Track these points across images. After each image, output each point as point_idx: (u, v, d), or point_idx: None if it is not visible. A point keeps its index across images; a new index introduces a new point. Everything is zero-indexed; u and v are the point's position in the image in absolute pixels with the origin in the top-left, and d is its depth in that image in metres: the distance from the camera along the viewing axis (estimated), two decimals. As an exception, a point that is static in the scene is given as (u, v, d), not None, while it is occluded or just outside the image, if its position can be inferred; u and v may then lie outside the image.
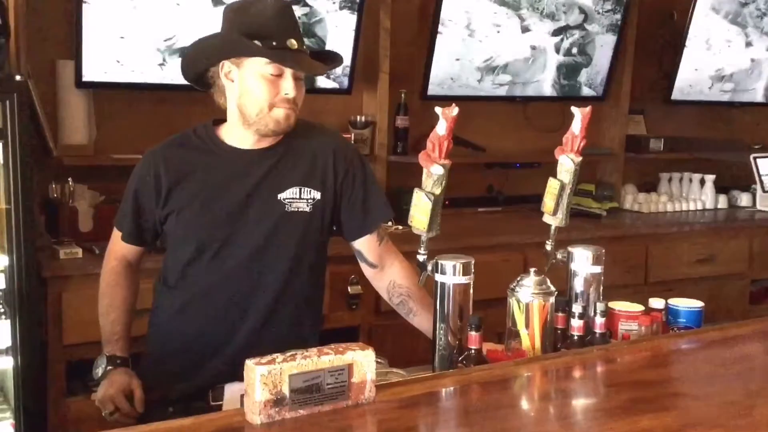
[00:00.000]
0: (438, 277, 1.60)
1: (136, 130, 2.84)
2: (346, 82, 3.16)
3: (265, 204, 1.73)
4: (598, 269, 1.75)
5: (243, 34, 1.65)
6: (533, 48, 3.52)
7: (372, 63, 3.26)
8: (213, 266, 1.73)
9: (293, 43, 1.65)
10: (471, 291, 1.60)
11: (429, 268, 1.61)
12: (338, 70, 3.11)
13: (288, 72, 1.67)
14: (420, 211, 1.57)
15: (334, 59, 1.81)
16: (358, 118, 3.28)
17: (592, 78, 3.74)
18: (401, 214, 3.13)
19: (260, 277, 1.73)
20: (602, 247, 1.79)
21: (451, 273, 1.58)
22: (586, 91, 3.75)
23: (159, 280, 1.81)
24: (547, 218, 1.79)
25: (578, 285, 1.76)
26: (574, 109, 1.75)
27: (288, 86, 1.67)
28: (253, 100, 1.68)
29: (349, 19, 3.06)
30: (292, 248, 1.75)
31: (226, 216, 1.72)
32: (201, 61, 1.73)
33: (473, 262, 1.60)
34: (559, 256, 1.79)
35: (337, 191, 1.79)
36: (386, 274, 1.87)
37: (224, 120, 1.78)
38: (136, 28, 2.69)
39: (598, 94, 3.79)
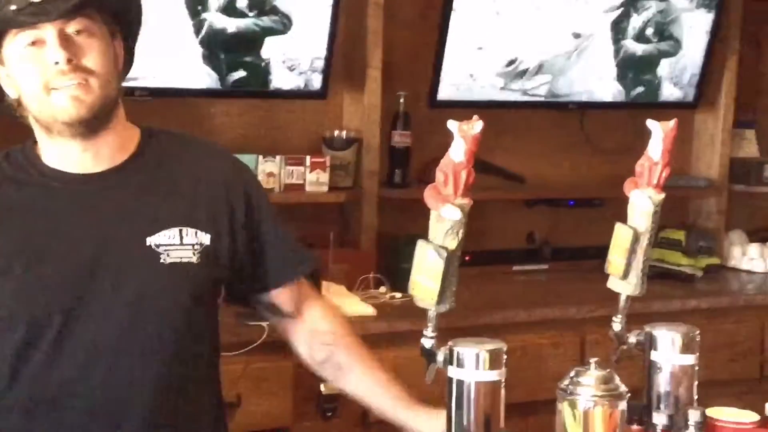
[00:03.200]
0: (452, 372, 1.58)
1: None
2: (317, 80, 3.19)
3: (127, 255, 1.72)
4: (690, 359, 1.74)
5: None
6: (576, 36, 3.56)
7: (356, 54, 3.29)
8: (57, 358, 1.69)
9: None
10: (502, 392, 1.59)
11: (440, 357, 1.60)
12: (304, 64, 3.14)
13: (44, 32, 1.66)
14: (426, 274, 1.56)
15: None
16: (336, 133, 3.31)
17: (678, 75, 3.79)
18: (397, 275, 3.22)
19: (132, 369, 1.71)
20: (696, 327, 1.78)
21: (473, 365, 1.57)
22: (668, 94, 3.79)
23: None
24: (614, 283, 1.79)
25: (661, 383, 1.75)
26: (651, 123, 1.77)
27: (52, 51, 1.65)
28: (26, 90, 1.70)
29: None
30: (176, 319, 1.74)
31: (66, 279, 1.70)
32: None
33: (505, 348, 1.60)
34: (632, 339, 1.78)
35: (235, 235, 1.81)
36: (305, 322, 1.93)
37: None
38: None
39: (688, 98, 3.83)
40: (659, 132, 1.76)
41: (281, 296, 1.92)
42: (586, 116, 3.78)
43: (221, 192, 1.80)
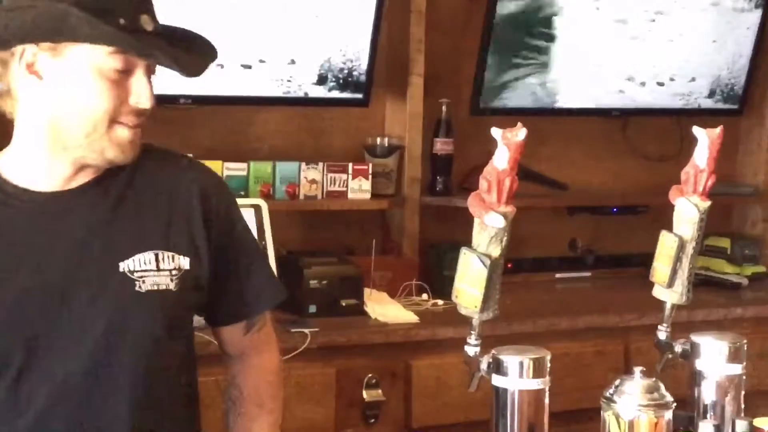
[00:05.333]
0: (496, 380, 1.58)
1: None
2: (360, 88, 3.20)
3: (97, 282, 1.57)
4: (737, 369, 1.73)
5: (73, 5, 1.50)
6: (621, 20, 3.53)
7: (399, 61, 3.30)
8: (16, 400, 1.55)
9: (148, 20, 1.54)
10: (546, 400, 1.58)
11: (483, 366, 1.60)
12: (347, 71, 3.14)
13: (141, 68, 1.55)
14: (470, 282, 1.56)
15: (202, 48, 1.66)
16: (379, 141, 3.31)
17: (722, 78, 3.75)
18: (439, 282, 3.22)
19: (104, 406, 1.58)
20: (743, 336, 1.76)
21: (516, 374, 1.57)
22: (712, 101, 3.75)
23: None
24: (659, 291, 1.78)
25: (707, 392, 1.74)
26: (697, 130, 1.76)
27: (142, 89, 1.55)
28: (83, 110, 1.54)
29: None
30: (151, 351, 1.61)
31: (29, 310, 1.55)
32: None
33: (549, 356, 1.59)
34: (678, 348, 1.77)
35: (212, 258, 1.68)
36: (239, 370, 1.82)
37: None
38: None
39: (733, 103, 3.80)
40: (705, 139, 1.75)
41: (227, 334, 1.80)
42: (629, 123, 3.75)
43: (198, 209, 1.67)
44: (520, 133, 1.54)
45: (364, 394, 2.76)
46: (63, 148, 1.57)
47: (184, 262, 1.64)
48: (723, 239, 3.75)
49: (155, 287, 1.60)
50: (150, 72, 1.58)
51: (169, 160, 1.73)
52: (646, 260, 3.80)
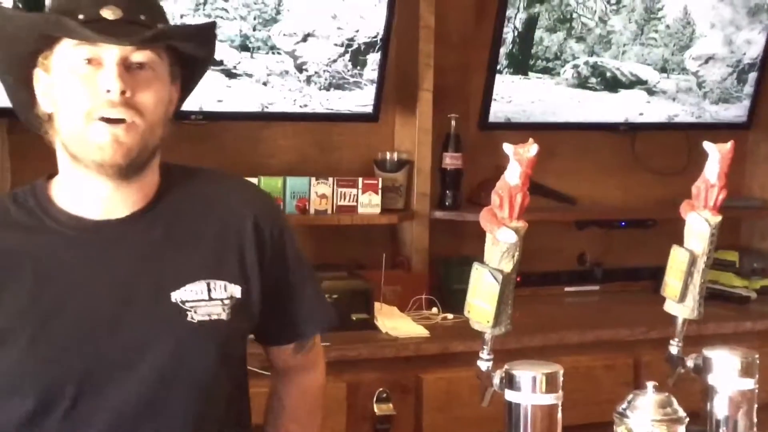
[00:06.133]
0: (509, 395, 1.57)
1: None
2: (370, 104, 3.20)
3: (149, 313, 1.57)
4: (750, 383, 1.71)
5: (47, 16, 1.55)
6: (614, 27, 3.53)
7: (408, 77, 3.31)
8: (69, 430, 1.54)
9: (111, 12, 1.51)
10: (559, 415, 1.58)
11: (496, 380, 1.59)
12: (355, 86, 3.15)
13: (106, 52, 1.50)
14: (483, 297, 1.56)
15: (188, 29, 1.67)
16: (389, 156, 3.31)
17: (728, 90, 3.75)
18: (449, 296, 3.21)
19: None
20: (754, 350, 1.76)
21: (529, 388, 1.56)
22: (720, 115, 3.75)
23: None
24: (671, 306, 1.78)
25: (720, 407, 1.72)
26: (708, 145, 1.75)
27: (109, 78, 1.50)
28: (66, 112, 1.53)
29: (375, 13, 3.12)
30: (204, 381, 1.60)
31: (82, 342, 1.53)
32: (6, 79, 1.61)
33: (562, 371, 1.58)
34: (690, 362, 1.76)
35: (264, 283, 1.67)
36: (284, 384, 1.85)
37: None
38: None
39: (741, 119, 3.80)
40: (716, 154, 1.74)
41: (276, 353, 1.82)
42: (638, 137, 3.75)
43: (251, 234, 1.66)
44: (531, 148, 1.54)
45: (375, 408, 2.76)
46: (74, 157, 1.55)
47: (236, 291, 1.63)
48: (731, 253, 3.74)
49: (207, 317, 1.59)
50: (128, 65, 1.53)
51: (220, 182, 1.73)
52: (654, 274, 3.78)
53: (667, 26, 3.56)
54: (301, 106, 3.09)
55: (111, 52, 1.51)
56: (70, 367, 1.53)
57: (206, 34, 1.68)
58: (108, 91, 1.51)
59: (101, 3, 1.52)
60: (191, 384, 1.59)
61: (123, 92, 1.51)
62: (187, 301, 1.58)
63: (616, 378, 2.98)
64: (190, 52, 1.63)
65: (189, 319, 1.58)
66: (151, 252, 1.60)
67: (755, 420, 1.73)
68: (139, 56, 1.54)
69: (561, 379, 1.58)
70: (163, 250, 1.61)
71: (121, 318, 1.56)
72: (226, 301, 1.61)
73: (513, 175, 1.54)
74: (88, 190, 1.59)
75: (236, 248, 1.65)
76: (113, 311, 1.56)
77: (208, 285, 1.60)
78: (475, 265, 1.56)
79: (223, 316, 1.61)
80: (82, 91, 1.52)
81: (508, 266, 1.55)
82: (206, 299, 1.59)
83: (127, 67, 1.53)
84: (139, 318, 1.56)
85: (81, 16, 1.50)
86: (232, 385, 1.69)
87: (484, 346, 1.60)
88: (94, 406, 1.54)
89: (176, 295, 1.58)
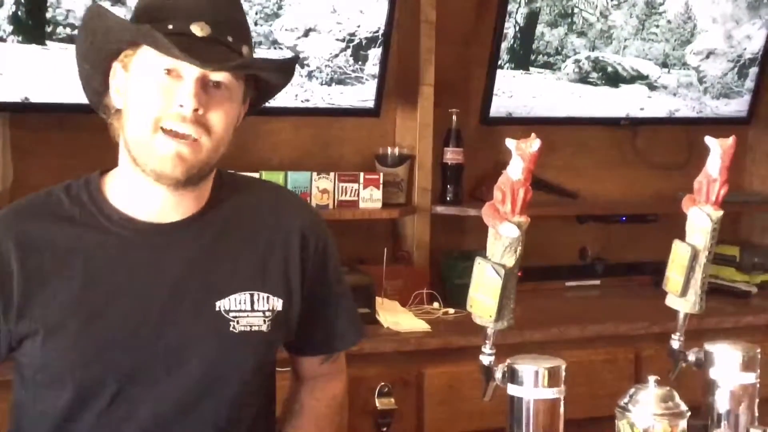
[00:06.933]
0: (511, 389, 1.58)
1: (70, 169, 2.88)
2: (371, 98, 3.20)
3: (193, 319, 1.59)
4: (751, 378, 1.72)
5: (134, 18, 1.58)
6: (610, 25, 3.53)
7: (409, 71, 3.31)
8: (104, 428, 1.57)
9: (200, 28, 1.53)
10: (562, 409, 1.58)
11: (498, 375, 1.59)
12: (357, 82, 3.15)
13: (187, 70, 1.52)
14: (485, 291, 1.56)
15: (276, 63, 1.67)
16: (390, 150, 3.31)
17: (729, 85, 3.75)
18: (450, 291, 3.21)
19: None
20: (755, 344, 1.76)
21: (532, 383, 1.56)
22: (721, 110, 3.75)
23: None
24: (672, 301, 1.77)
25: (721, 402, 1.72)
26: (710, 140, 1.75)
27: (185, 93, 1.51)
28: (135, 107, 1.54)
29: (376, 8, 3.12)
30: (237, 389, 1.63)
31: (127, 340, 1.56)
32: (84, 66, 1.62)
33: (564, 366, 1.59)
34: (691, 357, 1.76)
35: (304, 296, 1.70)
36: (306, 389, 1.84)
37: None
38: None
39: (741, 114, 3.80)
40: (717, 149, 1.74)
41: (303, 363, 1.83)
42: (639, 132, 3.75)
43: (297, 248, 1.69)
44: (534, 143, 1.53)
45: (377, 402, 2.76)
46: (135, 161, 1.56)
47: (278, 304, 1.65)
48: (732, 247, 3.74)
49: (248, 328, 1.62)
50: (206, 83, 1.54)
51: (270, 194, 1.76)
52: (655, 269, 3.78)
53: (668, 21, 3.56)
54: (302, 101, 3.09)
55: (192, 69, 1.52)
56: (113, 365, 1.56)
57: (289, 68, 1.70)
58: (181, 105, 1.52)
59: (192, 17, 1.53)
60: (225, 392, 1.62)
61: (196, 110, 1.52)
62: (231, 311, 1.61)
63: (617, 372, 2.98)
64: (271, 81, 1.66)
65: (231, 329, 1.61)
66: (199, 258, 1.62)
67: (756, 414, 1.73)
68: (218, 76, 1.55)
69: (564, 373, 1.58)
70: (211, 257, 1.63)
71: (167, 321, 1.58)
72: (268, 314, 1.64)
73: (515, 170, 1.54)
74: (143, 192, 1.60)
75: (281, 261, 1.68)
76: (159, 314, 1.58)
77: (252, 296, 1.63)
78: (478, 260, 1.56)
79: (263, 328, 1.63)
80: (157, 99, 1.53)
81: (510, 261, 1.55)
82: (249, 310, 1.62)
83: (204, 85, 1.54)
84: (184, 323, 1.59)
85: (170, 27, 1.52)
86: (263, 394, 1.72)
87: (486, 341, 1.59)
88: (132, 406, 1.56)
89: (221, 304, 1.61)
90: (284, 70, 1.69)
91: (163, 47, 1.51)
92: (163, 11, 1.54)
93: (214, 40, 1.54)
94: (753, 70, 3.76)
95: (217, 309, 1.61)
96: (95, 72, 1.62)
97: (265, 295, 1.64)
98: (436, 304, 3.12)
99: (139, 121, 1.54)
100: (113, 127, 1.62)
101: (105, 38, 1.57)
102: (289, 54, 3.01)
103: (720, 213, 1.75)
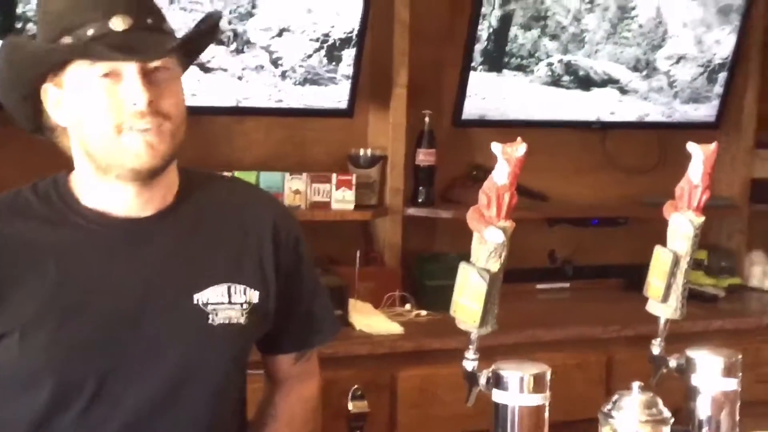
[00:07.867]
0: (496, 395, 1.57)
1: (40, 166, 2.84)
2: (344, 99, 3.18)
3: (171, 313, 1.58)
4: (733, 384, 1.72)
5: (45, 33, 1.54)
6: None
7: (383, 72, 3.29)
8: (84, 428, 1.55)
9: (121, 20, 1.49)
10: (546, 415, 1.57)
11: (482, 380, 1.58)
12: (330, 82, 3.13)
13: (125, 68, 1.50)
14: (470, 296, 1.55)
15: (200, 29, 1.64)
16: (362, 151, 3.30)
17: (698, 90, 3.77)
18: (422, 293, 3.20)
19: None
20: (737, 351, 1.76)
21: (517, 389, 1.56)
22: (689, 114, 3.77)
23: None
24: (654, 307, 1.78)
25: (702, 408, 1.72)
26: (692, 146, 1.76)
27: (132, 91, 1.49)
28: (92, 127, 1.53)
29: (351, 9, 3.09)
30: (217, 383, 1.62)
31: (105, 337, 1.54)
32: (11, 97, 1.60)
33: (549, 372, 1.58)
34: (672, 363, 1.77)
35: (279, 288, 1.69)
36: (279, 392, 1.83)
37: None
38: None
39: (710, 118, 3.82)
40: (700, 155, 1.75)
41: (276, 362, 1.81)
42: (609, 136, 3.76)
43: (269, 240, 1.68)
44: (520, 148, 1.54)
45: (350, 405, 2.75)
46: (100, 168, 1.56)
47: (255, 296, 1.64)
48: (700, 251, 3.72)
49: (227, 321, 1.60)
50: (146, 72, 1.52)
51: (239, 188, 1.78)
52: (624, 272, 3.79)
53: (640, 26, 3.57)
54: (276, 102, 3.07)
55: (129, 65, 1.51)
56: (92, 362, 1.54)
57: (216, 26, 1.70)
58: (135, 104, 1.51)
59: (108, 13, 1.50)
60: (205, 386, 1.61)
61: (150, 102, 1.51)
62: (209, 304, 1.60)
63: (589, 375, 2.99)
64: (203, 45, 1.68)
65: (210, 321, 1.59)
66: (175, 252, 1.61)
67: (738, 419, 1.74)
68: (156, 62, 1.53)
69: (549, 379, 1.57)
70: (187, 250, 1.62)
71: (144, 316, 1.56)
72: (245, 306, 1.63)
73: (501, 175, 1.54)
74: (113, 189, 1.59)
75: (256, 252, 1.67)
76: (136, 308, 1.56)
77: (229, 288, 1.61)
78: (462, 265, 1.55)
79: (241, 321, 1.62)
80: (108, 107, 1.51)
81: (495, 266, 1.55)
82: (226, 303, 1.61)
83: (145, 74, 1.52)
84: (162, 317, 1.57)
85: (90, 32, 1.49)
86: (239, 390, 1.71)
87: (470, 346, 1.59)
88: (111, 405, 1.55)
89: (199, 297, 1.59)
90: (213, 31, 1.70)
91: (102, 57, 1.49)
92: (72, 16, 1.51)
93: (137, 28, 1.52)
94: (722, 75, 3.78)
95: (195, 302, 1.59)
96: (25, 100, 1.60)
97: (242, 287, 1.63)
98: (408, 306, 3.11)
99: (100, 131, 1.53)
100: (62, 144, 1.62)
101: (32, 67, 1.55)
102: (263, 54, 2.98)
103: (702, 219, 1.76)
